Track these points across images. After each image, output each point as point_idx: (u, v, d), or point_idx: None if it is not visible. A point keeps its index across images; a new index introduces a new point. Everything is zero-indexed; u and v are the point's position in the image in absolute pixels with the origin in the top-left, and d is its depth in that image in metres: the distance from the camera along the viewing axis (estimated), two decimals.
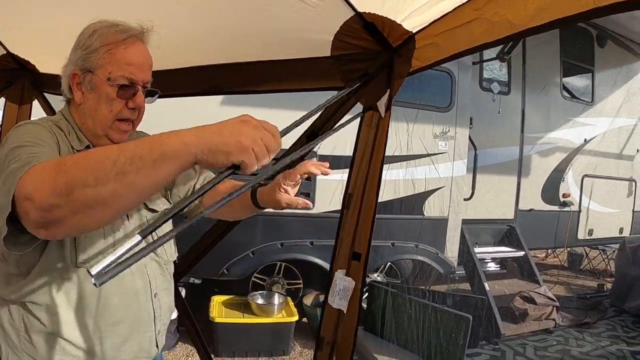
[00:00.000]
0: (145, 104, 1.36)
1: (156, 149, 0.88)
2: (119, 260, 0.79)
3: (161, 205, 1.49)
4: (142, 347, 1.42)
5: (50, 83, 2.75)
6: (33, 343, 1.27)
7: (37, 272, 1.24)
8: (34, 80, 2.74)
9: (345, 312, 1.70)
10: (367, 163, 1.69)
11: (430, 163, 4.69)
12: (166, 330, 1.55)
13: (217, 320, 4.00)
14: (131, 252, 0.81)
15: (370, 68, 1.58)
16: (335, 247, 1.78)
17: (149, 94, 1.36)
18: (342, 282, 1.73)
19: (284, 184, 1.46)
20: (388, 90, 1.54)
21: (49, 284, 1.25)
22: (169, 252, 1.52)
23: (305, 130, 1.88)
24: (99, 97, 1.28)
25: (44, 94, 2.78)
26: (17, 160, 1.03)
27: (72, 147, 1.30)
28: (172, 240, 1.51)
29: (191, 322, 2.39)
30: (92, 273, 0.76)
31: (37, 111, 2.66)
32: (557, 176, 6.32)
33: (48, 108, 2.66)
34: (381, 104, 1.64)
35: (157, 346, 1.48)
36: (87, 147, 1.32)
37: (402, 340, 4.32)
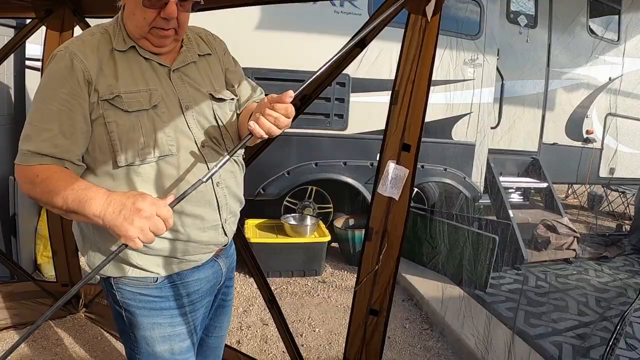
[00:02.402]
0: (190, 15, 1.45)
1: (81, 207, 1.21)
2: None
3: (227, 94, 1.60)
4: (212, 235, 1.56)
5: (91, 7, 2.82)
6: None
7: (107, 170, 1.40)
8: (74, 7, 2.78)
9: (397, 199, 1.83)
10: (413, 62, 1.79)
11: (459, 89, 4.76)
12: (236, 220, 1.68)
13: (252, 240, 4.14)
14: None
15: None
16: (384, 140, 1.87)
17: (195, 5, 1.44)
18: (395, 171, 1.84)
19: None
20: None
21: (128, 176, 1.40)
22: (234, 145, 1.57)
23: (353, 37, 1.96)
24: (134, 3, 1.36)
25: (86, 19, 2.85)
26: (27, 124, 1.32)
27: (116, 49, 1.40)
28: (235, 136, 1.61)
29: (244, 244, 2.51)
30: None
31: None
32: (581, 112, 6.36)
33: None
34: (429, 8, 1.73)
35: (226, 235, 1.60)
36: (132, 47, 1.41)
37: (429, 261, 4.49)
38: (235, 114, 1.65)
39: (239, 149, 1.38)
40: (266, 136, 1.34)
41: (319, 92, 2.20)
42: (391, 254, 1.91)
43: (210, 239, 1.55)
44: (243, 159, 1.69)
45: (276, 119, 1.31)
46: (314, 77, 1.33)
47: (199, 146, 1.47)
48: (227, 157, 1.28)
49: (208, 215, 1.51)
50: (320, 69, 1.31)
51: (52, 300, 3.37)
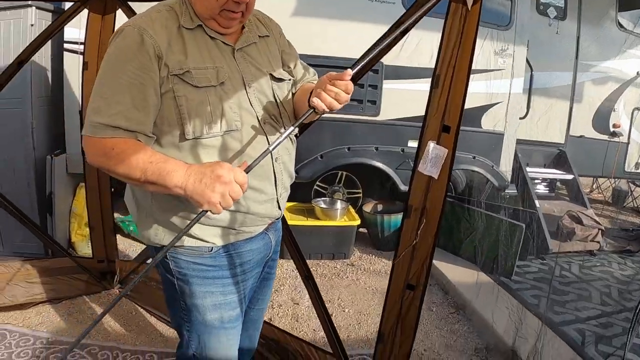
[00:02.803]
0: None
1: (161, 179, 1.31)
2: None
3: (285, 75, 1.69)
4: (268, 207, 1.64)
5: None
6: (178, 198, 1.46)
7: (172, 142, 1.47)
8: None
9: (436, 178, 1.88)
10: (454, 48, 1.83)
11: (489, 78, 4.78)
12: (288, 195, 1.75)
13: None
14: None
15: None
16: (424, 122, 1.92)
17: None
18: (435, 151, 1.89)
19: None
20: None
21: (193, 148, 1.46)
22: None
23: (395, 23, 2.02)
24: None
25: (128, 2, 2.90)
26: (97, 97, 1.37)
27: (183, 26, 1.45)
28: (292, 115, 1.70)
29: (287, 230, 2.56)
30: None
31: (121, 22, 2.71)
32: (608, 106, 6.30)
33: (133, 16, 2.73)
34: None
35: (279, 208, 1.68)
36: (199, 26, 1.48)
37: (457, 248, 4.53)
38: (291, 94, 1.73)
39: (301, 121, 1.44)
40: (328, 110, 1.41)
41: (361, 76, 2.27)
42: (429, 230, 1.96)
43: (266, 211, 1.62)
44: (295, 136, 1.76)
45: (337, 94, 1.39)
46: (368, 58, 1.39)
47: (260, 122, 1.54)
48: (292, 128, 1.38)
49: (267, 189, 1.58)
50: (371, 52, 1.37)
51: (87, 275, 3.48)
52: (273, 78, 1.62)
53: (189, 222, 1.45)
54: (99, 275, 3.53)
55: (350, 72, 1.38)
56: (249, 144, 1.51)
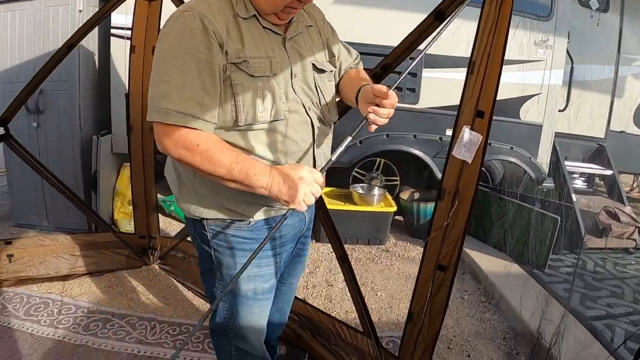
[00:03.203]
0: None
1: (247, 180, 1.41)
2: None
3: (327, 66, 1.75)
4: None
5: None
6: None
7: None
8: None
9: (469, 162, 1.93)
10: (489, 35, 1.87)
11: (529, 69, 4.75)
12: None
13: None
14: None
15: None
16: (460, 107, 1.96)
17: None
18: (469, 136, 1.93)
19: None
20: None
21: (243, 133, 1.53)
22: (332, 114, 1.76)
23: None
24: None
25: None
26: (162, 83, 1.38)
27: (238, 15, 1.48)
28: (334, 105, 1.79)
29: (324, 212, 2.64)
30: None
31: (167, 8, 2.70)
32: None
33: (179, 3, 2.74)
34: None
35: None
36: (253, 16, 1.51)
37: (492, 238, 4.54)
38: (334, 83, 1.81)
39: (359, 129, 1.53)
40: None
41: (399, 62, 2.34)
42: (461, 213, 2.01)
43: None
44: (334, 122, 1.82)
45: (389, 113, 1.51)
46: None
47: (306, 110, 1.61)
48: (349, 138, 1.50)
49: None
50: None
51: (128, 250, 3.61)
52: (315, 68, 1.68)
53: (231, 198, 1.57)
54: (140, 250, 3.68)
55: (392, 93, 1.49)
56: (294, 130, 1.58)
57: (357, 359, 2.49)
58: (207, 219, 1.65)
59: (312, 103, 1.65)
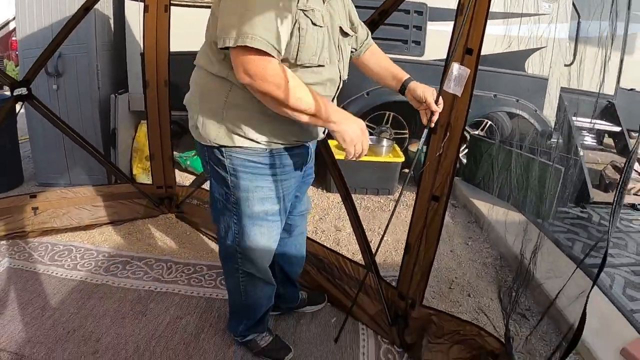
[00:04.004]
0: None
1: (319, 113, 1.62)
2: None
3: (350, 32, 1.95)
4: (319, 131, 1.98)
5: None
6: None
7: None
8: None
9: (459, 96, 2.04)
10: None
11: (534, 22, 4.77)
12: None
13: None
14: None
15: None
16: (450, 46, 2.08)
17: None
18: (458, 71, 2.04)
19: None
20: None
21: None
22: (345, 73, 1.94)
23: None
24: None
25: None
26: (247, 11, 1.46)
27: None
28: (347, 66, 1.97)
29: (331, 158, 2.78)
30: None
31: None
32: None
33: None
34: None
35: (324, 133, 2.03)
36: None
37: (497, 189, 4.62)
38: (351, 49, 2.07)
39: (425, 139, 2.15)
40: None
41: (396, 6, 2.45)
42: (453, 144, 2.13)
43: (317, 133, 1.97)
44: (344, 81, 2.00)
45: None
46: None
47: (337, 62, 1.84)
48: (424, 136, 2.05)
49: None
50: None
51: (146, 200, 3.79)
52: (341, 31, 1.86)
53: (251, 128, 1.76)
54: (157, 200, 3.85)
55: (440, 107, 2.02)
56: (329, 75, 1.80)
57: (360, 292, 2.62)
58: (225, 146, 1.81)
59: (339, 59, 1.86)
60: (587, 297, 1.49)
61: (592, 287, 1.55)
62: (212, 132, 1.78)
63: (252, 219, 1.96)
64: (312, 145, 2.08)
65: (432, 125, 2.03)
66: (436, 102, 1.99)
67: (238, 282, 2.17)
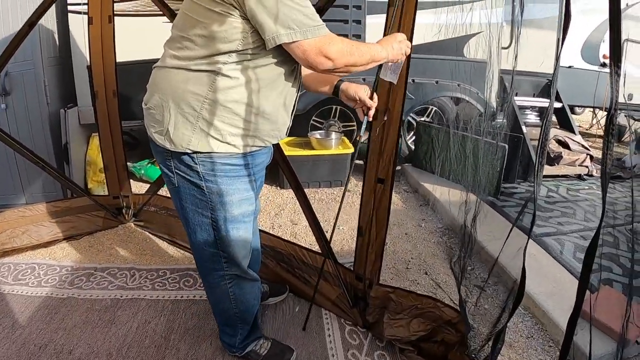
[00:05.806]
0: None
1: (377, 57, 1.79)
2: None
3: None
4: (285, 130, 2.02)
5: None
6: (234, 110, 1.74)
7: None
8: None
9: (395, 83, 2.15)
10: None
11: (470, 10, 4.91)
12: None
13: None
14: None
15: None
16: (384, 36, 2.18)
17: None
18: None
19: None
20: None
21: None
22: None
23: None
24: None
25: None
26: (295, 10, 1.55)
27: None
28: None
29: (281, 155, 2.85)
30: None
31: None
32: (597, 37, 6.43)
33: None
34: None
35: (286, 133, 2.04)
36: None
37: (445, 171, 4.77)
38: None
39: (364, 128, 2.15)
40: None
41: (331, 3, 2.54)
42: (393, 127, 2.25)
43: (284, 132, 2.01)
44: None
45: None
46: None
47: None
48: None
49: (286, 119, 1.95)
50: None
51: (104, 212, 3.80)
52: None
53: (229, 133, 1.77)
54: (114, 210, 3.87)
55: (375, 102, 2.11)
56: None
57: (320, 279, 2.70)
58: (198, 153, 1.76)
59: None
60: (525, 251, 1.62)
61: (527, 242, 1.70)
62: (185, 135, 1.72)
63: (232, 222, 1.93)
64: (273, 146, 2.14)
65: (370, 119, 2.13)
66: (370, 97, 2.08)
67: (226, 289, 2.13)
